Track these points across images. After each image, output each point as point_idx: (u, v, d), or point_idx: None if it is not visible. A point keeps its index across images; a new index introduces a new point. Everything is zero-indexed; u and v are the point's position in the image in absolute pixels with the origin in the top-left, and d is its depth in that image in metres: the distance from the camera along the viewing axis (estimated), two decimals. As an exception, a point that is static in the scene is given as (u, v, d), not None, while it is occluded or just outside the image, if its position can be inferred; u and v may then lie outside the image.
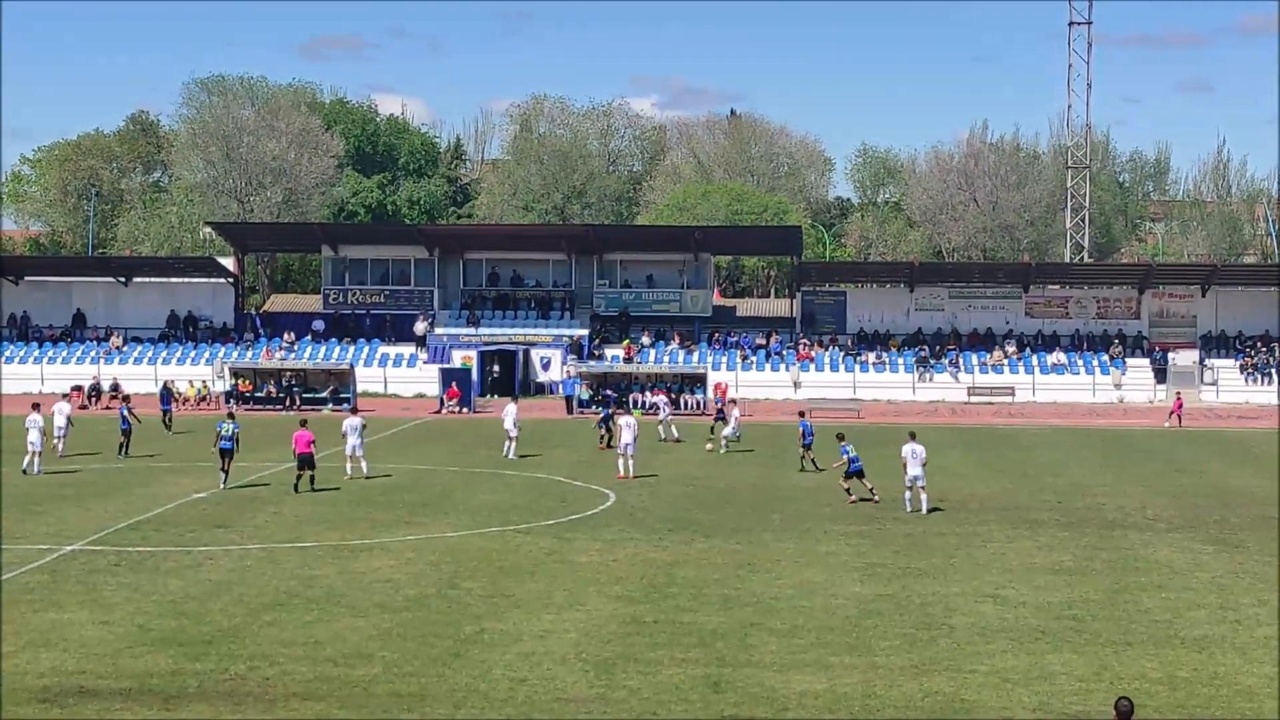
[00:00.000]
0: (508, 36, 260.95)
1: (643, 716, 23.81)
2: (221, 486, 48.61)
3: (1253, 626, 30.14)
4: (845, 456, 47.07)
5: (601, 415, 66.08)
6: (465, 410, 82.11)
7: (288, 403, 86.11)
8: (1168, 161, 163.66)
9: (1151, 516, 44.97)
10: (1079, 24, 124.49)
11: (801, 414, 59.64)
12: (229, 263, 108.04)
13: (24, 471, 51.98)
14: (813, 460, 54.84)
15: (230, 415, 51.98)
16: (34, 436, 52.61)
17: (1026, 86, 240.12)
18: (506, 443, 59.22)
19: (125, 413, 60.47)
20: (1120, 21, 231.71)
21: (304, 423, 50.56)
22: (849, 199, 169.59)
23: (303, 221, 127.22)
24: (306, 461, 48.20)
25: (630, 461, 53.26)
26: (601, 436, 63.72)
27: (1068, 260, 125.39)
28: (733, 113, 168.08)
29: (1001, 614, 31.06)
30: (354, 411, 54.54)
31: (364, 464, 51.87)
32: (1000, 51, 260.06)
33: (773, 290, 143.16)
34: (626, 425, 54.24)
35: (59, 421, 58.52)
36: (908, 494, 44.48)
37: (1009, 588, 33.72)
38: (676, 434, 67.75)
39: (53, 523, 42.05)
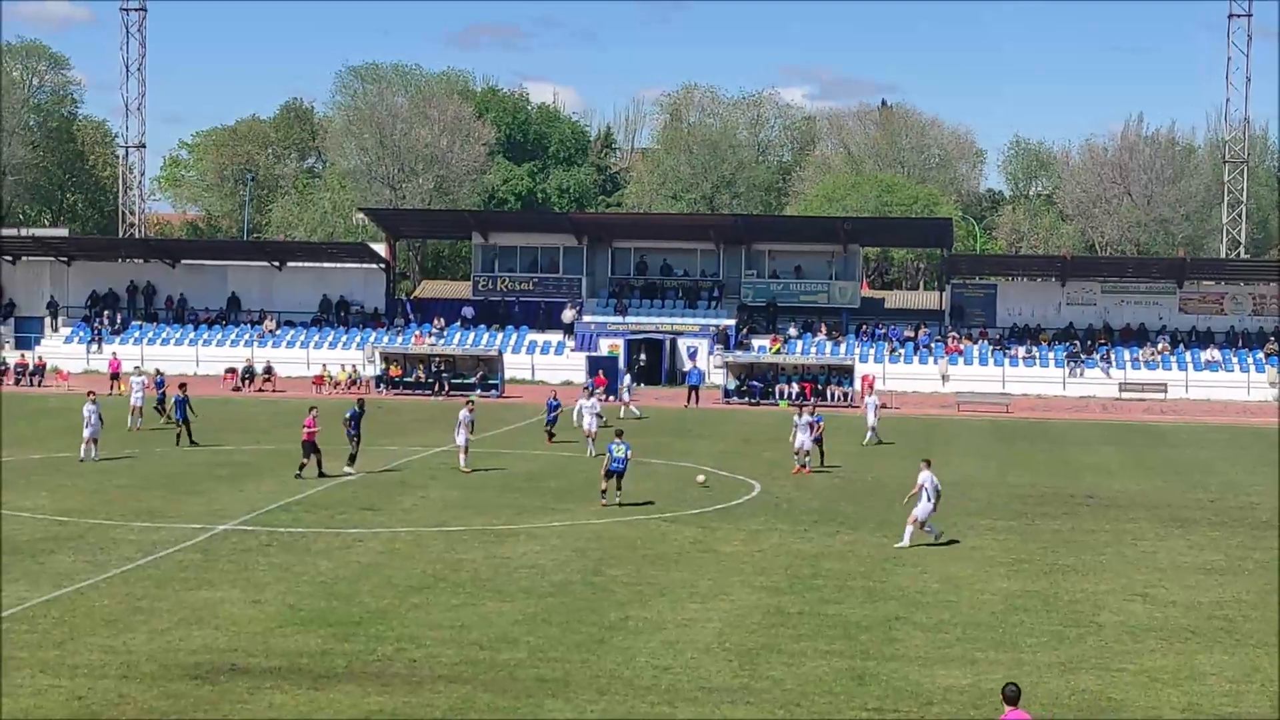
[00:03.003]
0: (659, 26, 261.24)
1: (786, 707, 23.79)
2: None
3: None
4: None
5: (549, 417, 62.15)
6: (611, 398, 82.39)
7: (436, 388, 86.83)
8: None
9: (1306, 517, 44.24)
10: (1239, 16, 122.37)
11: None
12: (381, 248, 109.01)
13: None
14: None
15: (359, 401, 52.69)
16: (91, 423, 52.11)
17: (1183, 79, 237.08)
18: (588, 441, 57.06)
19: (181, 401, 58.57)
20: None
21: (313, 409, 49.73)
22: (1001, 191, 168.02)
23: (454, 209, 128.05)
24: (310, 449, 47.90)
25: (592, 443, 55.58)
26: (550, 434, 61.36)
27: (1223, 256, 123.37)
28: (884, 103, 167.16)
29: (1151, 613, 30.71)
30: (468, 405, 53.42)
31: (461, 457, 51.35)
32: (1157, 43, 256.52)
33: (922, 283, 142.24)
34: (586, 407, 57.40)
35: (134, 400, 61.75)
36: (911, 528, 37.66)
37: (1159, 586, 33.34)
38: (637, 412, 71.59)
39: (206, 502, 42.76)
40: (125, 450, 54.74)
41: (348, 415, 50.24)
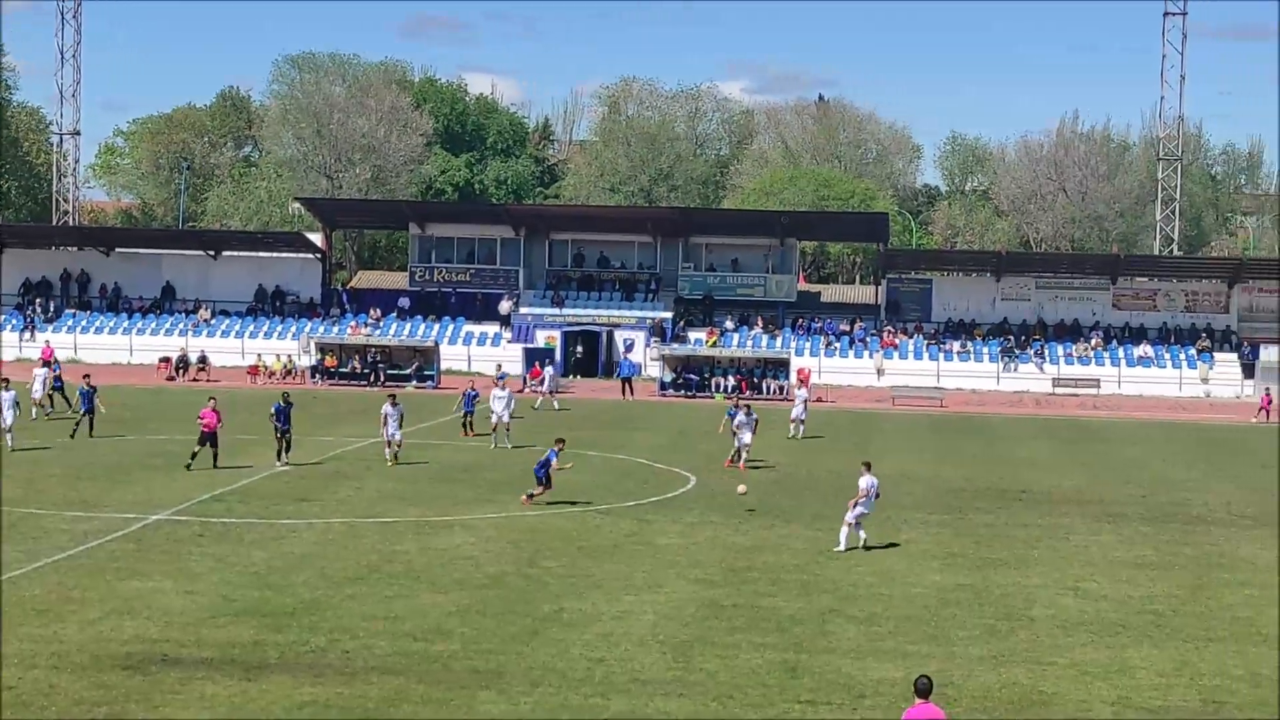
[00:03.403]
0: (600, 18, 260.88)
1: (719, 700, 23.85)
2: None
3: (1337, 626, 29.86)
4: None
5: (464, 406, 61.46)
6: (546, 390, 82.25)
7: (372, 378, 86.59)
8: (1261, 155, 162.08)
9: (1236, 513, 44.64)
10: (1174, 14, 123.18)
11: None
12: (317, 238, 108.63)
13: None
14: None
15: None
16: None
17: (1119, 77, 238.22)
18: (494, 432, 56.57)
19: (86, 393, 57.58)
20: (1217, 13, 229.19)
21: (211, 399, 49.25)
22: (937, 187, 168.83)
23: (391, 199, 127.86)
24: (208, 439, 47.30)
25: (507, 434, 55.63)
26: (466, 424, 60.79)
27: (1157, 253, 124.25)
28: (821, 98, 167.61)
29: (1082, 607, 30.92)
30: (392, 399, 52.21)
31: (387, 450, 50.26)
32: (1093, 41, 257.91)
33: (858, 277, 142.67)
34: (496, 397, 56.53)
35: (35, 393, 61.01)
36: (846, 530, 36.52)
37: (1090, 581, 33.57)
38: (556, 405, 72.43)
39: (140, 492, 42.52)
40: (37, 441, 54.28)
41: (273, 410, 49.27)
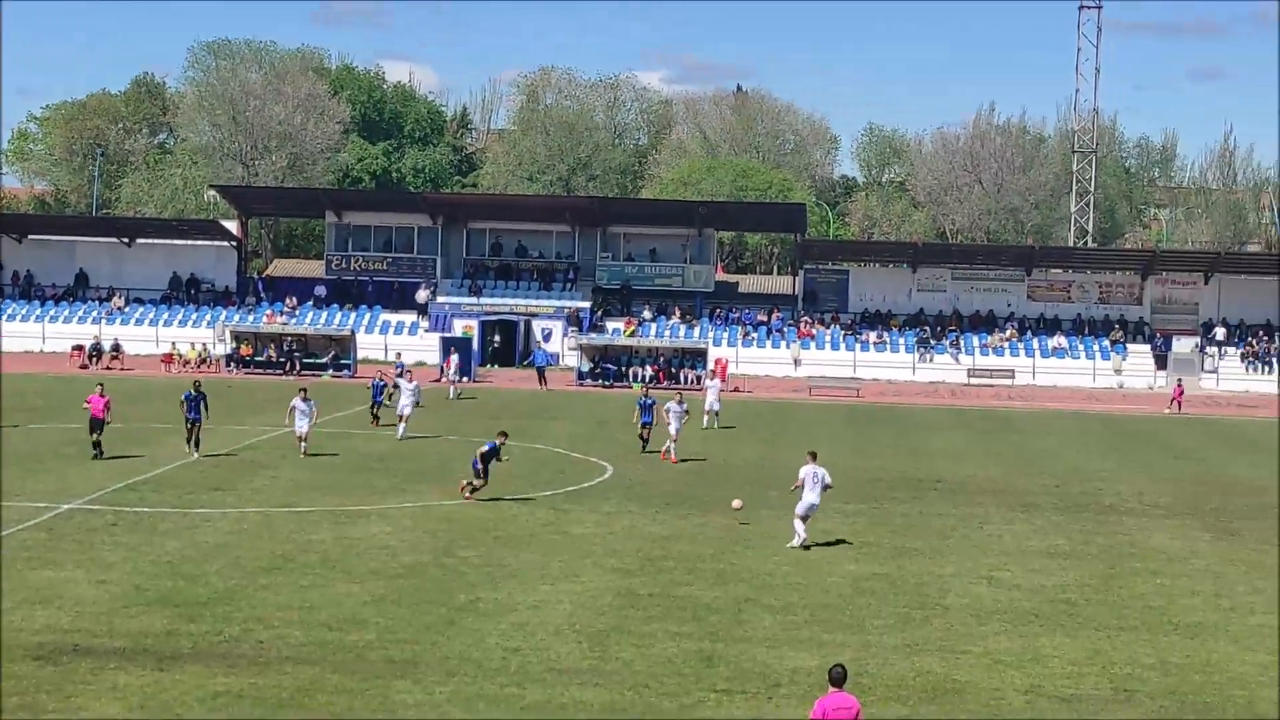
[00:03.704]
0: (519, 7, 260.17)
1: (635, 689, 23.86)
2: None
3: (1246, 614, 30.20)
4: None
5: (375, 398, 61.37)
6: (465, 379, 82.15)
7: (288, 367, 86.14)
8: (1174, 148, 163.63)
9: (1149, 502, 45.03)
10: (1089, 8, 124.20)
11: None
12: (233, 226, 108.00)
13: None
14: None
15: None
16: None
17: (1035, 71, 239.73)
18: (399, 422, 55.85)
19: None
20: (1132, 9, 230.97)
21: (100, 385, 48.64)
22: (854, 178, 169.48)
23: (307, 187, 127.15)
24: (96, 426, 46.71)
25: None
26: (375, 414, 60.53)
27: (1071, 244, 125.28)
28: (739, 89, 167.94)
29: (996, 596, 31.12)
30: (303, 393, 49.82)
31: (301, 445, 49.16)
32: (1010, 34, 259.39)
33: (775, 267, 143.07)
34: (404, 389, 56.29)
35: None
36: (800, 524, 35.69)
37: (1004, 570, 33.79)
38: (452, 393, 73.38)
39: (52, 481, 42.13)
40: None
41: (183, 398, 48.55)
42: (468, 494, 40.83)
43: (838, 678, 19.10)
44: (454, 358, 78.58)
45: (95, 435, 46.70)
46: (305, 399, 49.47)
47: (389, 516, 38.35)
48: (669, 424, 51.47)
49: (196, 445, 47.94)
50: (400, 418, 55.65)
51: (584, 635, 26.85)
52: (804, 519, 35.74)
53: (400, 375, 63.53)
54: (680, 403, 52.26)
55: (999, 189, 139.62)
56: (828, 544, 35.99)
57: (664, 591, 30.48)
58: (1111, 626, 28.82)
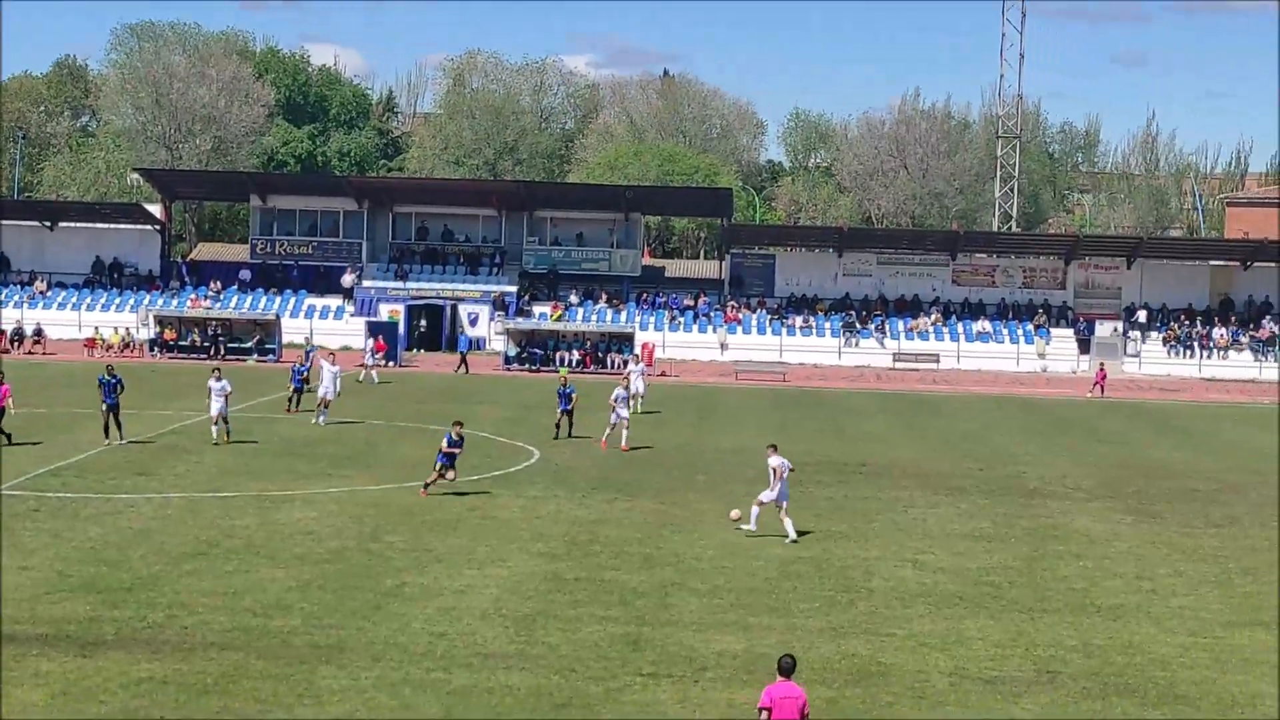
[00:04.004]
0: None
1: (562, 673, 23.87)
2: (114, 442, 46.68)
3: (1168, 596, 30.48)
4: None
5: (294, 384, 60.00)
6: (391, 364, 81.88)
7: (212, 351, 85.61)
8: (1098, 134, 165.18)
9: (1071, 486, 45.36)
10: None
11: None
12: (156, 210, 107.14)
13: None
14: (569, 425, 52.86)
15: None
16: None
17: (959, 56, 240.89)
18: (320, 408, 55.03)
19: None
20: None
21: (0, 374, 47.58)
22: (780, 163, 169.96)
23: (231, 170, 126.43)
24: None
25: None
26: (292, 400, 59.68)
27: (995, 229, 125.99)
28: (666, 73, 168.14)
29: (920, 579, 31.29)
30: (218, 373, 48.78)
31: (214, 429, 48.32)
32: (935, 19, 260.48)
33: (702, 252, 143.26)
34: (329, 372, 55.71)
35: None
36: (788, 521, 35.17)
37: (928, 553, 33.98)
38: (375, 378, 72.82)
39: (-29, 467, 41.74)
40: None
41: (98, 381, 47.33)
42: (431, 490, 39.36)
43: (787, 668, 19.17)
44: (369, 342, 78.36)
45: None
46: (219, 378, 48.51)
47: (314, 501, 38.21)
48: (617, 408, 50.63)
49: (119, 430, 46.80)
50: (322, 403, 55.07)
51: (510, 620, 26.84)
52: (774, 505, 35.28)
53: (309, 356, 62.52)
54: (628, 387, 51.54)
55: (924, 174, 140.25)
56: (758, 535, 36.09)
57: (590, 576, 30.50)
58: (1035, 609, 29.03)
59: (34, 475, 40.58)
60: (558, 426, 52.72)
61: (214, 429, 48.21)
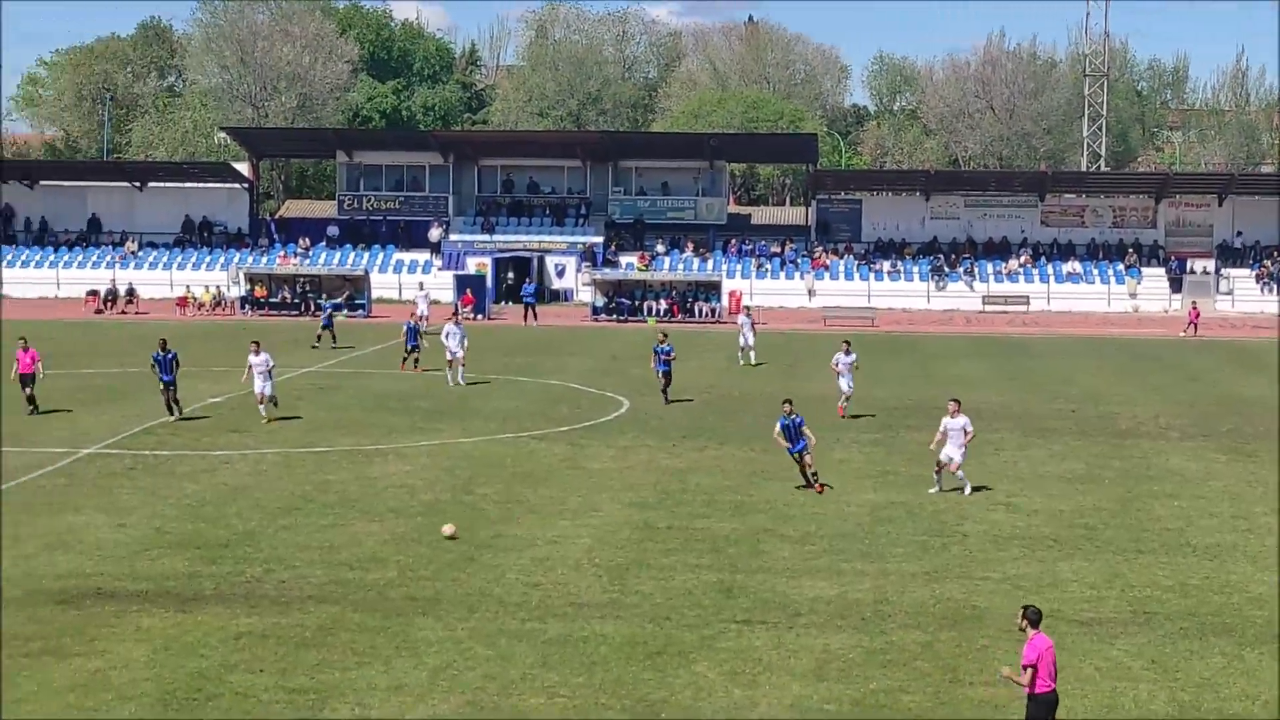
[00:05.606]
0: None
1: (655, 621, 23.96)
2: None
3: (1264, 535, 30.25)
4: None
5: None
6: (480, 317, 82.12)
7: (303, 308, 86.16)
8: (1186, 70, 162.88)
9: (1164, 425, 45.01)
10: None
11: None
12: (244, 168, 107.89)
13: None
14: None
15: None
16: None
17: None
18: (451, 368, 53.03)
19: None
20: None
21: (23, 339, 45.64)
22: (865, 107, 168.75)
23: (317, 127, 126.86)
24: (27, 381, 44.49)
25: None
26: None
27: (1084, 169, 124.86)
28: (750, 19, 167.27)
29: (1014, 522, 31.19)
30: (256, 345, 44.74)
31: (261, 408, 44.45)
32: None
33: (788, 198, 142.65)
34: (449, 333, 52.94)
35: None
36: (967, 482, 34.17)
37: (1021, 496, 33.83)
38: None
39: (69, 426, 42.24)
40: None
41: (152, 359, 44.56)
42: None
43: (1036, 617, 18.22)
44: (420, 297, 75.71)
45: (28, 390, 44.51)
46: (257, 351, 44.35)
47: (406, 455, 38.46)
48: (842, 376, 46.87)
49: (177, 407, 44.20)
50: (452, 362, 52.69)
51: (603, 569, 26.95)
52: (956, 468, 34.17)
53: (423, 316, 62.03)
54: (848, 353, 46.94)
55: (1011, 114, 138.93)
56: (839, 474, 36.03)
57: (682, 524, 30.57)
58: (1129, 550, 28.88)
59: (129, 434, 41.04)
60: (664, 392, 48.82)
61: (261, 409, 44.17)
